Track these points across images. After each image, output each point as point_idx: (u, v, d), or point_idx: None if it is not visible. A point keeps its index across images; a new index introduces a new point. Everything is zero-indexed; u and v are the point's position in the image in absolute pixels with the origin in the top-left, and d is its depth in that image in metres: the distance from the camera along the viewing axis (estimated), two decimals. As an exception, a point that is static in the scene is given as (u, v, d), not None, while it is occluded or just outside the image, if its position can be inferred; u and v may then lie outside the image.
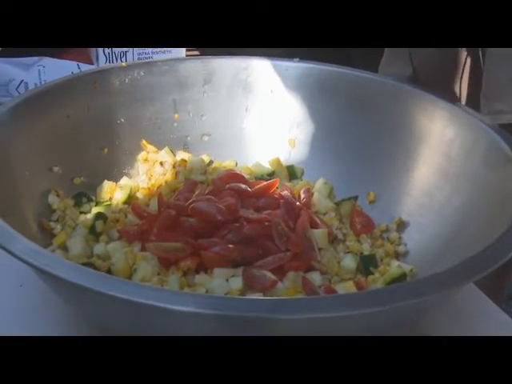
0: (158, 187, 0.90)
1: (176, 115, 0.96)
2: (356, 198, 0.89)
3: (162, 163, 0.92)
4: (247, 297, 0.67)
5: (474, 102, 1.03)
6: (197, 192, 0.85)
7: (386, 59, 1.18)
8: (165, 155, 0.93)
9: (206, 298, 0.55)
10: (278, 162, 0.95)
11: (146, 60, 1.23)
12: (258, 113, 0.98)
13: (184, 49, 1.31)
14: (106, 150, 0.89)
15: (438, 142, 0.83)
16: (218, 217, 0.76)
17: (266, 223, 0.76)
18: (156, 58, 1.27)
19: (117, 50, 1.27)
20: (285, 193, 0.85)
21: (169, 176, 0.91)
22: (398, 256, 0.82)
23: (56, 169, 0.82)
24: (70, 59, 1.24)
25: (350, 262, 0.78)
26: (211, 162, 0.96)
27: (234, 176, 0.88)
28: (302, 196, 0.87)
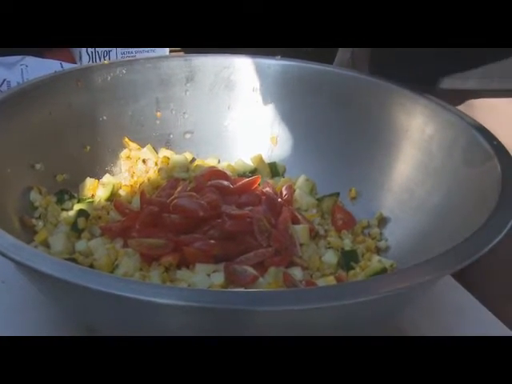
0: (140, 184, 0.90)
1: (158, 113, 0.96)
2: (338, 194, 0.90)
3: (144, 161, 0.93)
4: (227, 289, 0.68)
5: None
6: (179, 189, 0.85)
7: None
8: (147, 153, 0.93)
9: (185, 291, 0.55)
10: (260, 159, 0.96)
11: (129, 58, 1.23)
12: (240, 110, 0.98)
13: (167, 48, 1.31)
14: (88, 147, 0.89)
15: (418, 139, 0.84)
16: (199, 213, 0.76)
17: (248, 219, 0.76)
18: (139, 56, 1.27)
19: (100, 49, 1.27)
20: (267, 189, 0.86)
21: (151, 173, 0.92)
22: (379, 251, 0.82)
23: (38, 166, 0.82)
24: (53, 58, 1.24)
25: (331, 257, 0.79)
26: (194, 160, 0.97)
27: (216, 173, 0.88)
28: (284, 193, 0.88)
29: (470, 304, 0.78)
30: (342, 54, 1.11)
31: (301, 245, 0.79)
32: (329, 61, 1.10)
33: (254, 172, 0.95)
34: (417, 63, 0.92)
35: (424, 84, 0.88)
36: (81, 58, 1.27)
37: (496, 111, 0.91)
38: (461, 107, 0.89)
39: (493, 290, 0.89)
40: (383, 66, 0.95)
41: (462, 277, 0.80)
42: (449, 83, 0.90)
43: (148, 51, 1.29)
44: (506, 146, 0.75)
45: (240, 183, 0.86)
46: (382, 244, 0.83)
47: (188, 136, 0.98)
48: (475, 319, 0.76)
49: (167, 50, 1.32)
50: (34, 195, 0.80)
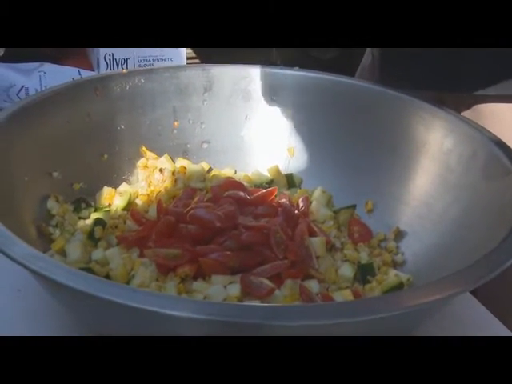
0: (157, 194, 0.90)
1: (176, 122, 0.96)
2: (354, 206, 0.89)
3: (161, 170, 0.92)
4: (243, 303, 0.68)
5: None
6: (196, 199, 0.85)
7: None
8: (164, 162, 0.93)
9: (201, 304, 0.55)
10: (276, 170, 0.96)
11: (147, 67, 1.23)
12: (257, 121, 0.98)
13: (185, 57, 1.32)
14: (105, 156, 0.90)
15: (437, 152, 0.83)
16: (216, 224, 0.76)
17: (265, 231, 0.76)
18: (157, 65, 1.27)
19: (118, 56, 1.27)
20: (283, 201, 0.86)
21: (168, 183, 0.92)
22: (395, 265, 0.82)
23: (55, 174, 0.82)
24: (71, 65, 1.25)
25: (347, 271, 0.78)
26: (210, 170, 0.97)
27: (232, 184, 0.88)
28: (301, 204, 0.88)
29: (474, 307, 0.78)
30: (365, 59, 1.11)
31: (317, 257, 0.78)
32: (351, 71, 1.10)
33: (270, 183, 0.95)
34: (426, 68, 0.92)
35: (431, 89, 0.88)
36: (98, 65, 1.27)
37: (499, 117, 0.91)
38: (465, 113, 0.89)
39: (498, 295, 0.88)
40: (392, 71, 0.95)
41: None
42: (453, 89, 0.90)
43: (165, 60, 1.29)
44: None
45: (257, 194, 0.86)
46: (398, 258, 0.82)
47: (205, 146, 0.98)
48: (479, 324, 0.76)
49: (184, 58, 1.32)
50: (51, 203, 0.80)
